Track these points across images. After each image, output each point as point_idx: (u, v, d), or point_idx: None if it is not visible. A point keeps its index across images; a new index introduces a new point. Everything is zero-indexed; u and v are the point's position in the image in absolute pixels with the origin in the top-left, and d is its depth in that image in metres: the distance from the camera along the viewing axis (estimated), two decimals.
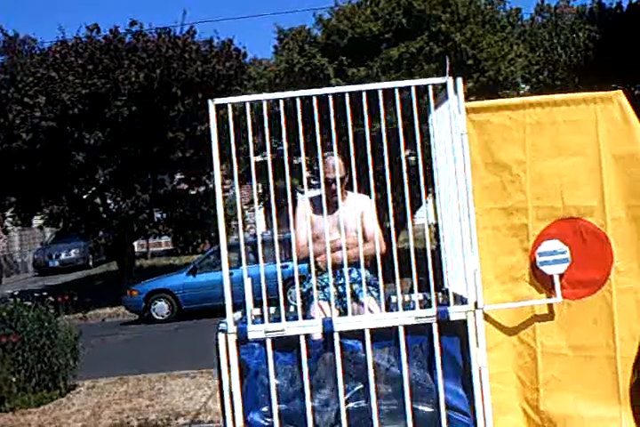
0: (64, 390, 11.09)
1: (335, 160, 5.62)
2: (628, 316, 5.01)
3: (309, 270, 5.38)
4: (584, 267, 5.02)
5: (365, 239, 5.44)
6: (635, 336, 5.01)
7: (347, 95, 4.83)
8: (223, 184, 5.09)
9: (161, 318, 20.56)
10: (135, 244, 28.14)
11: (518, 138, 5.17)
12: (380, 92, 4.82)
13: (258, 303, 5.13)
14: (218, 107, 4.83)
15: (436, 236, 5.49)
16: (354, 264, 5.36)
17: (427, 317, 4.70)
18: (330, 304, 5.20)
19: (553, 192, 5.12)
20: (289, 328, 4.75)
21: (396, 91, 4.83)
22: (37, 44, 23.70)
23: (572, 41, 24.03)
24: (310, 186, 6.70)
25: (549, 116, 5.15)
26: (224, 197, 4.93)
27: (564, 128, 5.12)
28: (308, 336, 4.79)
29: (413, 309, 4.92)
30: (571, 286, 5.03)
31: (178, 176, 25.10)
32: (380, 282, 5.06)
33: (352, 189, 5.33)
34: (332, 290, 5.16)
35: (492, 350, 4.86)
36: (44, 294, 11.76)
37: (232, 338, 4.74)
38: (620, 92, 5.14)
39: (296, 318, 4.92)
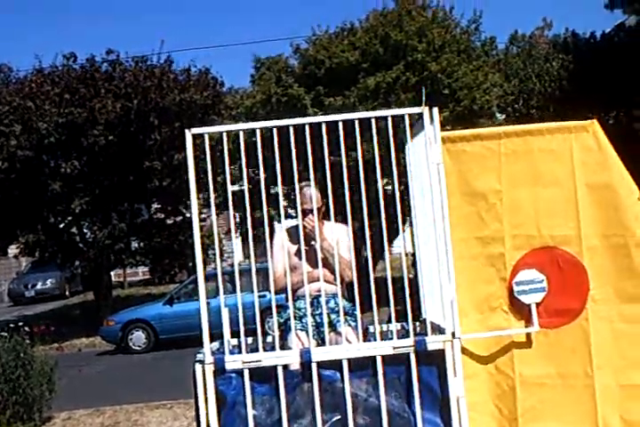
0: (39, 422, 10.95)
1: (312, 191, 5.62)
2: (605, 344, 5.02)
3: (287, 300, 5.37)
4: (561, 296, 5.04)
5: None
6: (612, 365, 5.02)
7: (323, 125, 4.84)
8: (200, 213, 5.09)
9: (138, 348, 20.42)
10: (112, 273, 27.96)
11: (494, 167, 5.19)
12: (357, 122, 4.84)
13: (235, 333, 5.11)
14: (195, 136, 4.84)
15: (414, 265, 5.49)
16: (331, 294, 5.36)
17: (404, 347, 4.69)
18: (307, 334, 5.18)
19: (529, 221, 5.15)
20: (266, 359, 4.73)
21: (373, 121, 4.85)
22: (13, 72, 23.60)
23: (547, 70, 24.25)
24: (287, 216, 6.71)
25: (525, 145, 5.18)
26: (201, 227, 4.92)
27: (540, 157, 5.16)
28: (285, 367, 4.77)
29: (391, 339, 4.91)
30: (548, 315, 5.04)
31: (155, 205, 25.03)
32: (358, 312, 5.05)
33: (329, 219, 5.34)
34: (309, 320, 5.15)
35: (468, 379, 4.85)
36: (20, 324, 11.65)
37: (209, 369, 4.71)
38: (595, 121, 5.19)
39: (273, 349, 4.90)
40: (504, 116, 24.55)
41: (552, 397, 5.05)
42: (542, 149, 5.16)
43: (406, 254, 5.04)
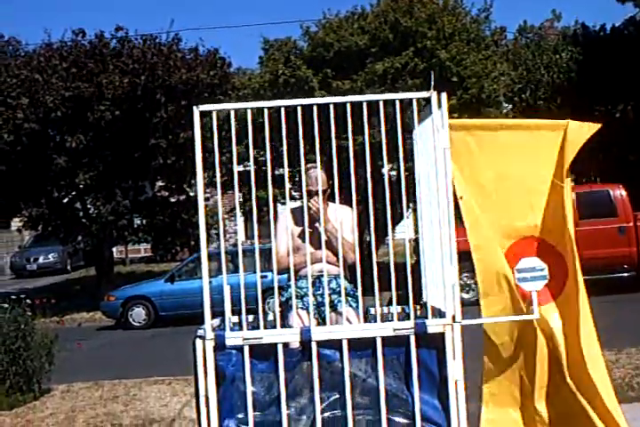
0: (38, 393, 11.04)
1: (318, 173, 5.66)
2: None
3: (289, 280, 5.41)
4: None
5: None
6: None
7: (331, 106, 4.85)
8: (205, 192, 5.11)
9: (138, 324, 20.52)
10: (114, 250, 28.03)
11: (489, 158, 5.26)
12: (365, 105, 4.86)
13: (236, 312, 5.15)
14: (202, 114, 4.83)
15: (416, 251, 5.54)
16: (333, 275, 5.41)
17: (404, 329, 4.74)
18: (308, 313, 5.23)
19: (520, 212, 5.24)
20: (267, 336, 4.77)
21: (381, 103, 4.86)
22: (22, 45, 23.56)
23: (555, 61, 24.24)
24: (291, 197, 6.74)
25: (519, 138, 5.25)
26: (205, 206, 4.94)
27: (530, 152, 5.24)
28: (285, 345, 4.81)
29: (392, 320, 4.96)
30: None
31: (159, 183, 25.07)
32: (360, 293, 5.10)
33: (334, 201, 5.36)
34: (310, 299, 5.19)
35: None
36: (22, 296, 11.70)
37: (209, 344, 4.75)
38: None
39: (274, 327, 4.94)
40: (510, 106, 24.55)
41: None
42: (534, 143, 5.23)
43: (409, 240, 5.09)
